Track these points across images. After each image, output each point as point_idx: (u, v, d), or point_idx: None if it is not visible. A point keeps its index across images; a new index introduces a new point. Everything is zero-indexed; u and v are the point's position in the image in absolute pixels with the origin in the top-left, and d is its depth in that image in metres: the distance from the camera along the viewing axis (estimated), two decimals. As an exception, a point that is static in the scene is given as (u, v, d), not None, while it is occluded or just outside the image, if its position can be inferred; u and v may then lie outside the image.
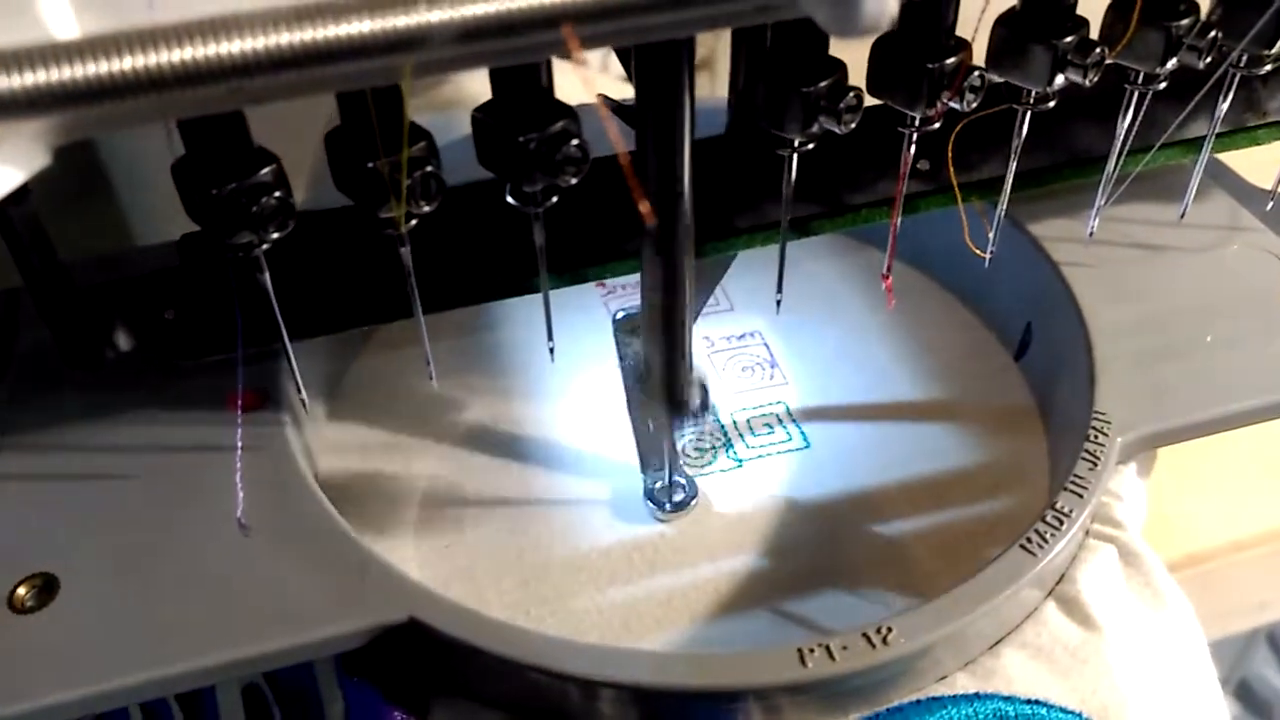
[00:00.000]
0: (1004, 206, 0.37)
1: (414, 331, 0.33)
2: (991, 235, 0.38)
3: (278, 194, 0.27)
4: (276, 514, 0.32)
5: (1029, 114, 0.34)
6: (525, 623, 0.34)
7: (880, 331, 0.45)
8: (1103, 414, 0.35)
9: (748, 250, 0.39)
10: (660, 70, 0.27)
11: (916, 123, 0.32)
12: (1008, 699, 0.30)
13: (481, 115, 0.27)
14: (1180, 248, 0.41)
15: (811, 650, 0.29)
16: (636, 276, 0.33)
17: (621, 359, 0.39)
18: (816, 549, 0.37)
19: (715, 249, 0.38)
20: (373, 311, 0.36)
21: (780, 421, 0.41)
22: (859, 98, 0.30)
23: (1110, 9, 0.33)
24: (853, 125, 0.30)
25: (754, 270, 0.42)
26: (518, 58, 0.22)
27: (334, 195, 0.28)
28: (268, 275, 0.30)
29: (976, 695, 0.30)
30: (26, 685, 0.27)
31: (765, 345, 0.45)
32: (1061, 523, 0.32)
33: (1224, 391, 0.36)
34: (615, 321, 0.39)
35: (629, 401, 0.38)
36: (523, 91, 0.27)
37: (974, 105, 0.31)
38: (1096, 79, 0.31)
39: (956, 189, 0.38)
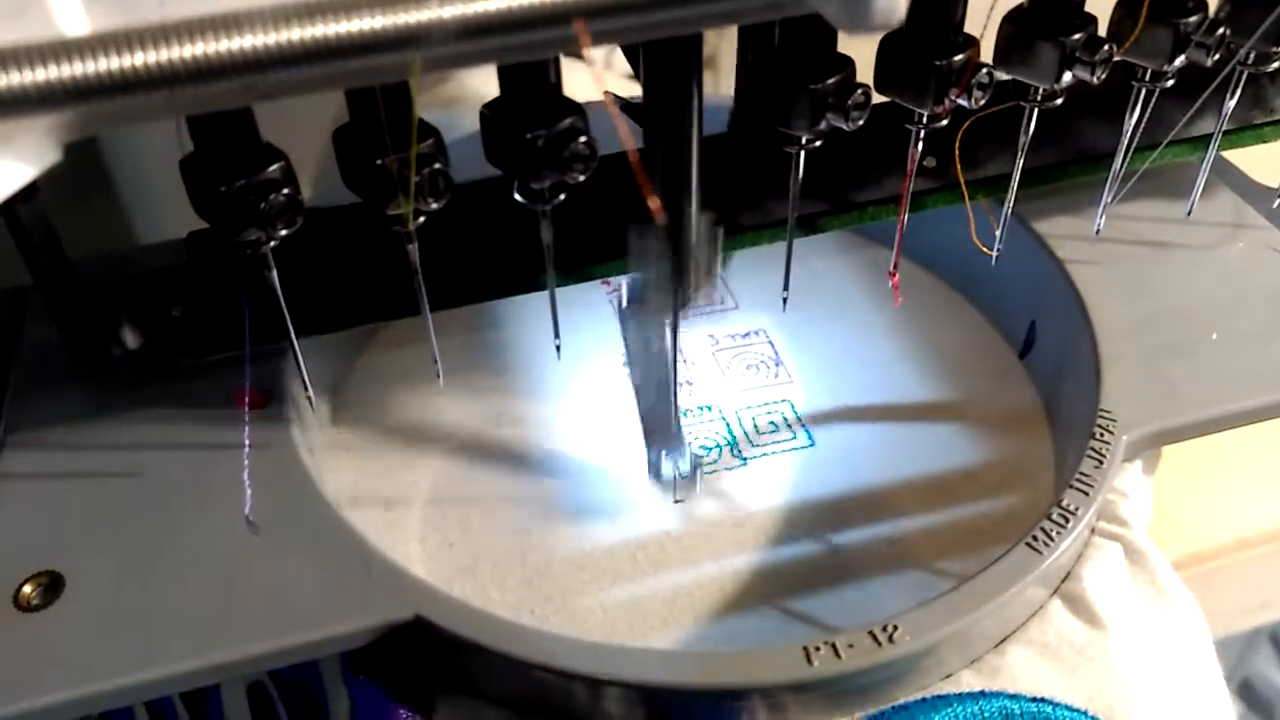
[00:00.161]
0: (1011, 204, 0.37)
1: (420, 329, 0.33)
2: (998, 233, 0.38)
3: (286, 191, 0.27)
4: (281, 512, 0.32)
5: (1036, 111, 0.34)
6: (529, 621, 0.34)
7: (885, 329, 0.45)
8: (1108, 412, 0.35)
9: (753, 248, 0.39)
10: (668, 66, 0.26)
11: (924, 120, 0.32)
12: (1013, 697, 0.30)
13: (490, 112, 0.27)
14: (1186, 245, 0.41)
15: (817, 648, 0.29)
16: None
17: (627, 345, 0.39)
18: (821, 547, 0.37)
19: (722, 246, 0.38)
20: (379, 309, 0.36)
21: (785, 420, 0.41)
22: (866, 95, 0.30)
23: (1118, 6, 0.33)
24: (860, 122, 0.30)
25: (759, 268, 0.42)
26: (528, 54, 0.22)
27: (342, 192, 0.28)
28: (275, 272, 0.30)
29: (982, 693, 0.30)
30: (32, 683, 0.27)
31: (770, 343, 0.45)
32: (1067, 520, 0.32)
33: (1229, 389, 0.36)
34: (621, 310, 0.39)
35: (635, 388, 0.38)
36: (531, 88, 0.27)
37: (981, 102, 0.31)
38: (1104, 76, 0.31)
39: (963, 186, 0.38)
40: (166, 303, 0.35)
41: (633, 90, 0.29)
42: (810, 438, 0.41)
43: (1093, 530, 0.34)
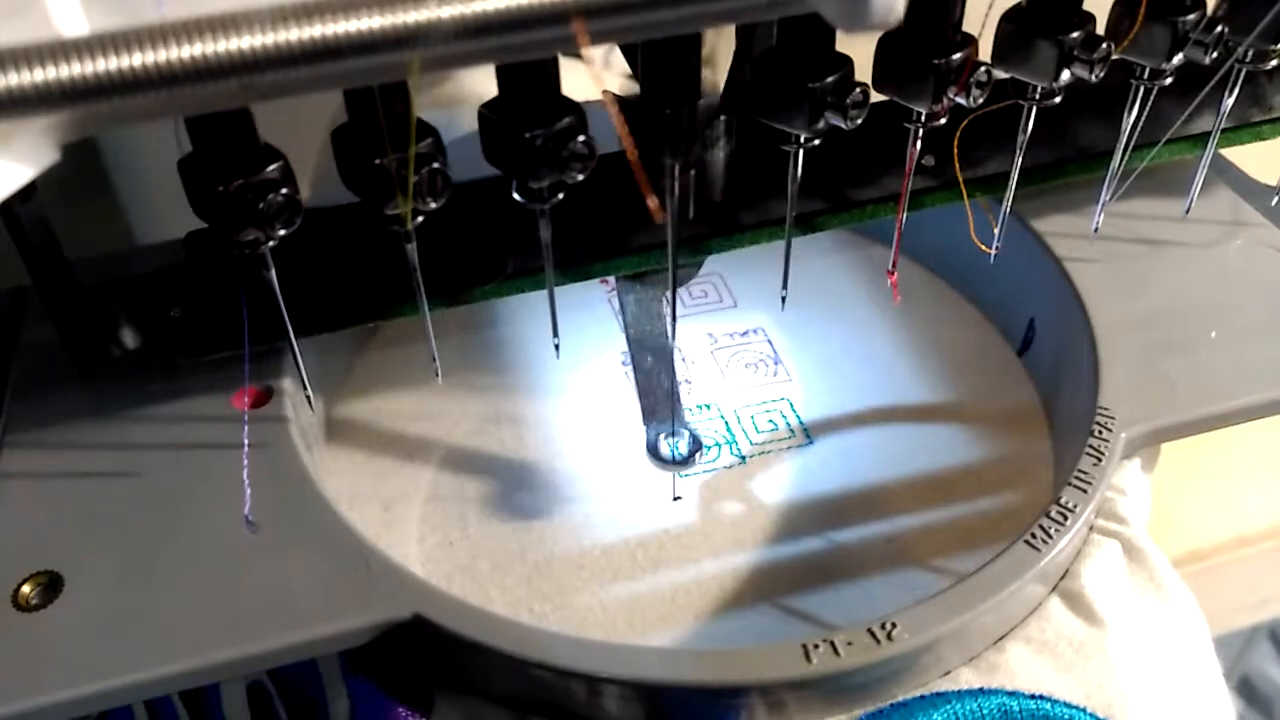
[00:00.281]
0: (1009, 202, 0.37)
1: (418, 328, 0.33)
2: (997, 231, 0.38)
3: (284, 190, 0.27)
4: (281, 511, 0.32)
5: (1035, 109, 0.34)
6: (528, 620, 0.34)
7: (884, 327, 0.45)
8: (1107, 409, 0.35)
9: (752, 246, 0.39)
10: (666, 65, 0.26)
11: (922, 118, 0.32)
12: (1012, 694, 0.30)
13: (488, 112, 0.27)
14: (1184, 243, 0.41)
15: (816, 646, 0.29)
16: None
17: (623, 311, 0.39)
18: (820, 545, 0.37)
19: (720, 246, 0.38)
20: (378, 308, 0.36)
21: (784, 418, 0.41)
22: (865, 93, 0.30)
23: (1117, 4, 0.33)
24: (859, 121, 0.30)
25: (758, 266, 0.42)
26: (526, 53, 0.22)
27: (341, 192, 0.28)
28: (274, 272, 0.30)
29: (981, 690, 0.30)
30: (31, 683, 0.27)
31: (769, 342, 0.45)
32: (1066, 518, 0.32)
33: (1228, 387, 0.36)
34: (619, 279, 0.39)
35: (632, 359, 0.38)
36: (529, 88, 0.27)
37: (980, 101, 0.31)
38: (1103, 74, 0.31)
39: (962, 185, 0.38)
40: (165, 303, 0.35)
41: (632, 90, 0.29)
42: (809, 436, 0.41)
43: (1091, 528, 0.34)
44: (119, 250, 0.41)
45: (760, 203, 0.38)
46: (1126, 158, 0.37)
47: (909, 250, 0.47)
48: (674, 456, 0.37)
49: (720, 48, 0.35)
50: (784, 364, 0.44)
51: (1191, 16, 0.32)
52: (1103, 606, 0.32)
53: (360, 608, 0.29)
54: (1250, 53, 0.35)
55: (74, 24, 0.20)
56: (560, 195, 0.29)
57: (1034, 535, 0.31)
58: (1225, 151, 0.44)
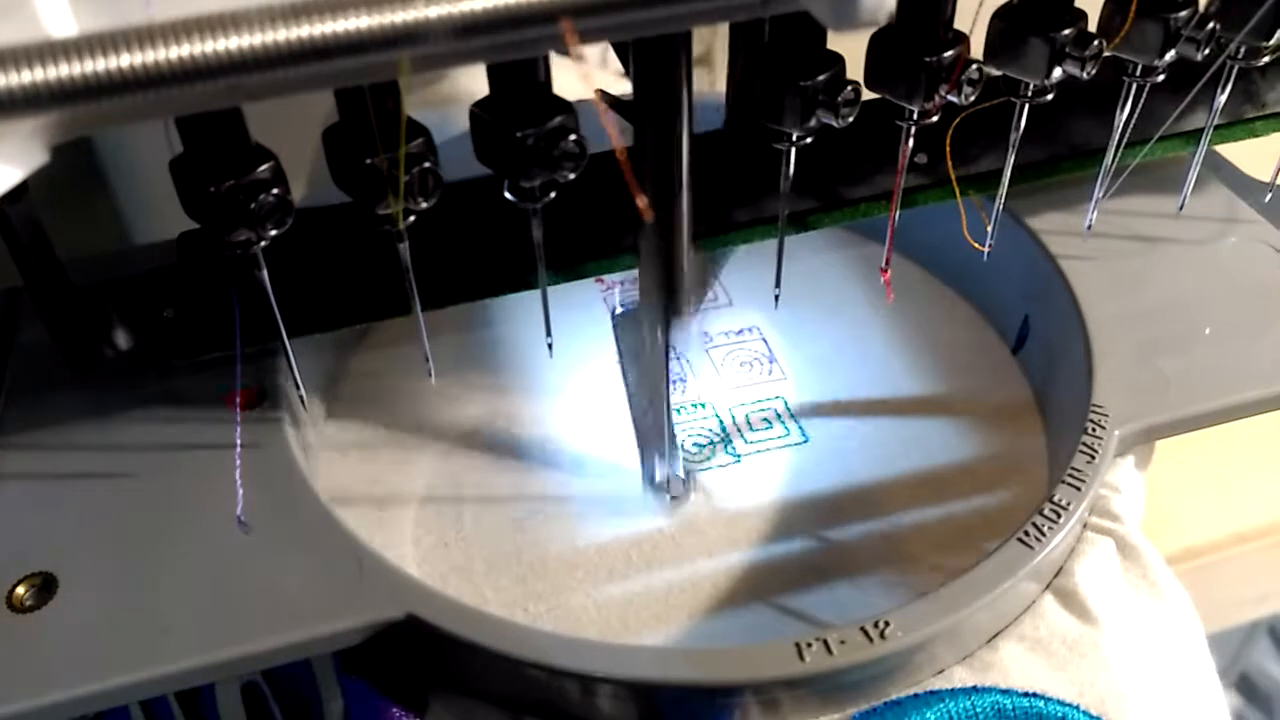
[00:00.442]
0: (1002, 200, 0.37)
1: (412, 328, 0.33)
2: (990, 228, 0.38)
3: (276, 191, 0.27)
4: (275, 512, 0.32)
5: (1027, 107, 0.34)
6: (523, 619, 0.34)
7: (878, 326, 0.45)
8: (1100, 407, 0.35)
9: (746, 245, 0.39)
10: (658, 65, 0.27)
11: (914, 116, 0.32)
12: (1005, 692, 0.30)
13: (479, 111, 0.27)
14: (1178, 240, 0.41)
15: (809, 644, 0.29)
16: (635, 272, 0.33)
17: (621, 354, 0.39)
18: (814, 544, 0.37)
19: (713, 244, 0.38)
20: (371, 308, 0.36)
21: (779, 416, 0.41)
22: (857, 91, 0.30)
23: (1108, 1, 0.33)
24: (850, 119, 0.30)
25: (752, 265, 0.42)
26: (515, 53, 0.22)
27: (332, 192, 0.28)
28: (266, 272, 0.30)
29: (974, 688, 0.30)
30: (26, 684, 0.27)
31: (764, 340, 0.45)
32: (1059, 516, 0.32)
33: (1222, 383, 0.36)
34: (614, 317, 0.39)
35: (629, 396, 0.38)
36: (520, 87, 0.27)
37: (972, 98, 0.31)
38: (1094, 71, 0.31)
39: (955, 182, 0.38)
40: (158, 303, 0.35)
41: (627, 88, 0.29)
42: (804, 434, 0.41)
43: (1085, 525, 0.34)
44: (118, 250, 0.41)
45: (753, 201, 0.38)
46: (1119, 155, 0.37)
47: (903, 248, 0.47)
48: (668, 492, 0.37)
49: (716, 47, 0.35)
50: (779, 362, 0.44)
51: (1183, 13, 0.32)
52: (1096, 604, 0.32)
53: (354, 608, 0.29)
54: (1242, 49, 0.35)
55: (62, 25, 0.20)
56: (552, 194, 0.29)
57: (1027, 533, 0.31)
58: (1220, 148, 0.44)
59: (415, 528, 0.37)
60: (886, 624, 0.29)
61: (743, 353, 0.44)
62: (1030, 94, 0.33)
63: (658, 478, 0.37)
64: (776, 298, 0.37)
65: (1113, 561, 0.33)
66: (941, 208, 0.39)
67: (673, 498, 0.38)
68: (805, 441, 0.40)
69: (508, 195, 0.29)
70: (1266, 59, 0.36)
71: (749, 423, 0.41)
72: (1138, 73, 0.34)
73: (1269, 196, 0.42)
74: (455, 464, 0.40)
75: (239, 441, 0.34)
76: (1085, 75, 0.31)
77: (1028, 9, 0.31)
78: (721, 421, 0.41)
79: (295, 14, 0.20)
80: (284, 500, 0.32)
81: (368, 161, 0.26)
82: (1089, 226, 0.40)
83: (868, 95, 0.30)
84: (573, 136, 0.27)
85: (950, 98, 0.30)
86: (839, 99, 0.29)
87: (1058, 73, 0.31)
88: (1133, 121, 0.36)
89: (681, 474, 0.38)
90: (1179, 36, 0.32)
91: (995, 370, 0.43)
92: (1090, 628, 0.31)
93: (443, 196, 0.28)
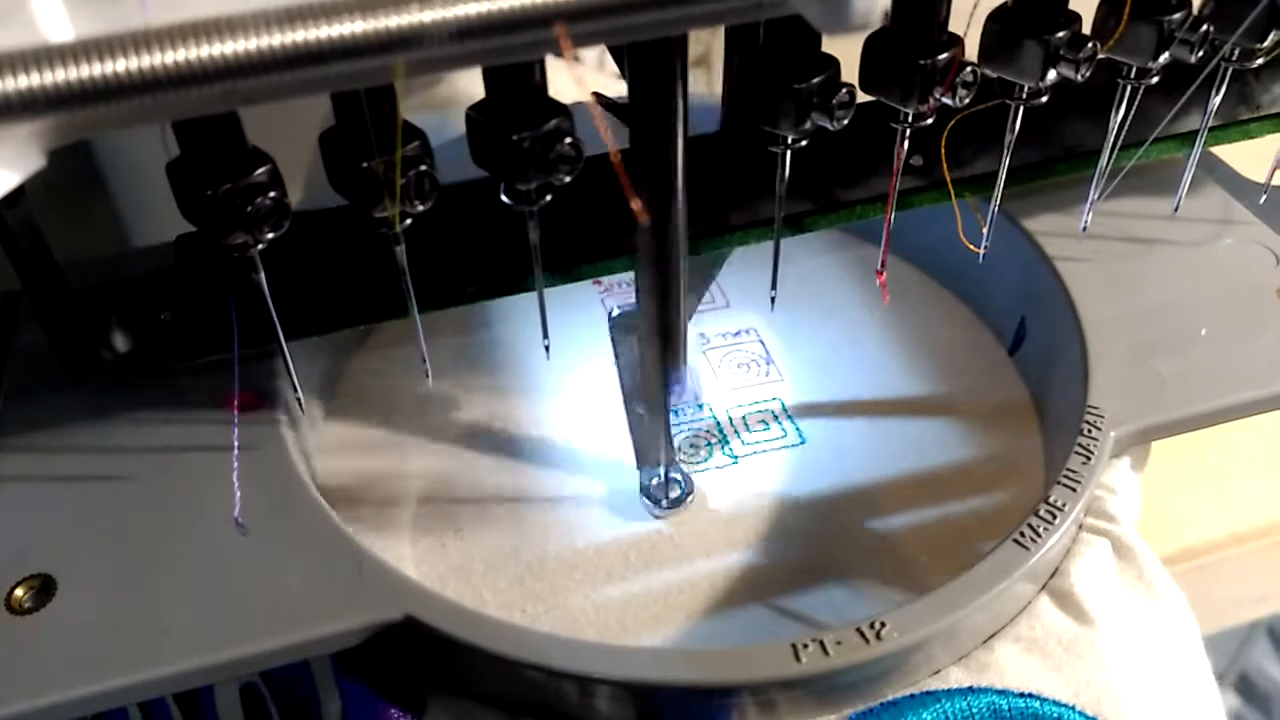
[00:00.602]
0: (997, 202, 0.37)
1: (409, 330, 0.33)
2: (985, 230, 0.38)
3: (272, 194, 0.27)
4: (273, 514, 0.32)
5: (1022, 109, 0.34)
6: (521, 621, 0.34)
7: (875, 327, 0.45)
8: (1096, 408, 0.35)
9: (743, 247, 0.39)
10: (653, 67, 0.27)
11: (909, 119, 0.32)
12: (1001, 692, 0.30)
13: (475, 114, 0.27)
14: (1174, 241, 0.42)
15: (806, 645, 0.29)
16: (632, 274, 0.33)
17: (618, 356, 0.39)
18: (811, 545, 0.37)
19: (710, 246, 0.38)
20: (368, 311, 0.36)
21: (776, 418, 0.41)
22: (851, 94, 0.30)
23: (1102, 4, 0.33)
24: (845, 122, 0.30)
25: (749, 267, 0.42)
26: (510, 57, 0.22)
27: (329, 195, 0.29)
28: (263, 275, 0.30)
29: (970, 689, 0.30)
30: (25, 685, 0.28)
31: (761, 342, 0.45)
32: (1055, 517, 0.32)
33: (1218, 384, 0.36)
34: (611, 319, 0.39)
35: (625, 399, 0.38)
36: (516, 90, 0.27)
37: (967, 101, 0.31)
38: (1089, 74, 0.31)
39: (950, 184, 0.38)
40: (156, 306, 0.35)
41: (623, 90, 0.29)
42: (801, 435, 0.41)
43: (1081, 526, 0.34)
44: (115, 253, 0.41)
45: (749, 203, 0.38)
46: (1114, 157, 0.37)
47: (900, 250, 0.47)
48: (666, 501, 0.37)
49: (715, 49, 0.35)
50: (776, 364, 0.44)
51: (1177, 15, 0.32)
52: (1092, 605, 0.32)
53: (352, 609, 0.29)
54: (1236, 51, 0.35)
55: (59, 30, 0.20)
56: (548, 197, 0.29)
57: (1023, 534, 0.32)
58: (1215, 149, 0.44)
59: (413, 529, 0.38)
60: (883, 625, 0.29)
61: (740, 354, 0.44)
62: (1025, 96, 0.33)
63: (654, 494, 0.38)
64: (773, 299, 0.37)
65: (1108, 562, 0.34)
66: (937, 209, 0.39)
67: (669, 506, 0.38)
68: (802, 443, 0.40)
69: (504, 198, 0.29)
70: (1260, 61, 0.36)
71: (746, 424, 0.41)
72: (1132, 75, 0.34)
73: (1264, 198, 0.42)
74: (453, 465, 0.40)
75: (237, 443, 0.34)
76: (1080, 77, 0.31)
77: (1022, 11, 0.31)
78: (719, 423, 0.41)
79: (291, 19, 0.20)
80: (282, 502, 0.32)
81: (364, 165, 0.26)
82: (1084, 228, 0.40)
83: (863, 98, 0.30)
84: (568, 139, 0.27)
85: (945, 100, 0.30)
86: (834, 102, 0.29)
87: (1052, 75, 0.31)
88: (1127, 123, 0.36)
89: (679, 479, 0.38)
90: (1173, 39, 0.32)
91: (991, 371, 0.43)
92: (1086, 628, 0.32)
93: (439, 199, 0.28)
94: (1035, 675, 0.31)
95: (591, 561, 0.36)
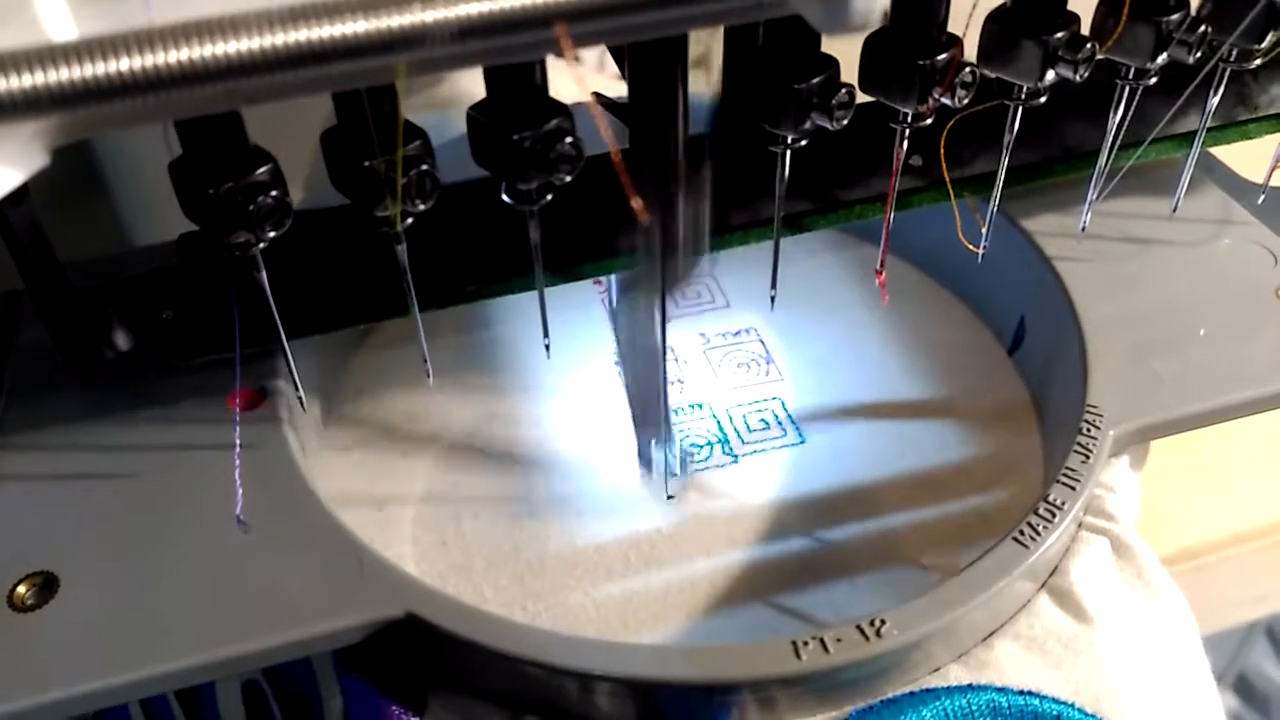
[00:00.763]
0: (996, 202, 0.37)
1: (411, 329, 0.33)
2: (984, 230, 0.38)
3: (274, 193, 0.27)
4: (274, 512, 0.32)
5: (1020, 109, 0.34)
6: (521, 618, 0.34)
7: (875, 327, 0.45)
8: (1095, 407, 0.35)
9: (743, 246, 0.39)
10: (653, 67, 0.27)
11: (908, 119, 0.32)
12: (1001, 690, 0.30)
13: (476, 114, 0.27)
14: (1172, 241, 0.42)
15: (806, 643, 0.29)
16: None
17: (615, 315, 0.39)
18: (811, 543, 0.37)
19: (710, 246, 0.38)
20: (369, 310, 0.36)
21: (776, 417, 0.42)
22: (851, 94, 0.30)
23: (1101, 4, 0.33)
24: (845, 122, 0.30)
25: (749, 267, 0.42)
26: (511, 56, 0.22)
27: (331, 194, 0.29)
28: (265, 274, 0.30)
29: (970, 686, 0.30)
30: (27, 682, 0.28)
31: (761, 341, 0.45)
32: (1054, 515, 0.32)
33: (1216, 384, 0.36)
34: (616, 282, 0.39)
35: (622, 360, 0.38)
36: (517, 90, 0.27)
37: (965, 101, 0.31)
38: (1087, 74, 0.31)
39: (949, 185, 0.38)
40: (158, 305, 0.36)
41: (623, 92, 0.29)
42: (801, 435, 0.41)
43: (1080, 525, 0.34)
44: (117, 252, 0.41)
45: (749, 203, 0.38)
46: (1113, 157, 0.37)
47: (900, 250, 0.47)
48: (665, 461, 0.37)
49: (714, 49, 0.35)
50: (776, 363, 0.44)
51: (1175, 16, 0.32)
52: (1091, 603, 0.32)
53: (353, 606, 0.30)
54: (1234, 52, 0.35)
55: (63, 29, 0.20)
56: (549, 196, 0.29)
57: (1022, 532, 0.32)
58: (1213, 149, 0.44)
59: (414, 527, 0.38)
60: (883, 622, 0.29)
61: (740, 354, 0.44)
62: (1024, 96, 0.33)
63: (654, 461, 0.38)
64: (773, 299, 0.37)
65: (1107, 561, 0.34)
66: (937, 209, 0.40)
67: (669, 498, 0.38)
68: (802, 442, 0.41)
69: (505, 197, 0.29)
70: (1258, 62, 0.36)
71: (746, 423, 0.41)
72: (1130, 75, 0.34)
73: (1262, 198, 0.43)
74: (454, 464, 0.40)
75: (238, 442, 0.34)
76: (1078, 78, 0.31)
77: (1021, 12, 0.31)
78: (719, 422, 0.41)
79: (293, 18, 0.20)
80: (283, 500, 0.33)
81: (366, 164, 0.26)
82: (1083, 228, 0.40)
83: (862, 98, 0.31)
84: (569, 139, 0.27)
85: (944, 100, 0.30)
86: (833, 102, 0.29)
87: (1051, 75, 0.31)
88: (1126, 124, 0.36)
89: (677, 459, 0.38)
90: (1171, 39, 0.32)
91: (991, 371, 0.43)
92: (1085, 626, 0.32)
93: (440, 198, 0.28)
94: (1034, 673, 0.31)
95: (592, 559, 0.37)
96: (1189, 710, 0.33)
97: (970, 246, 0.38)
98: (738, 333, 0.45)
